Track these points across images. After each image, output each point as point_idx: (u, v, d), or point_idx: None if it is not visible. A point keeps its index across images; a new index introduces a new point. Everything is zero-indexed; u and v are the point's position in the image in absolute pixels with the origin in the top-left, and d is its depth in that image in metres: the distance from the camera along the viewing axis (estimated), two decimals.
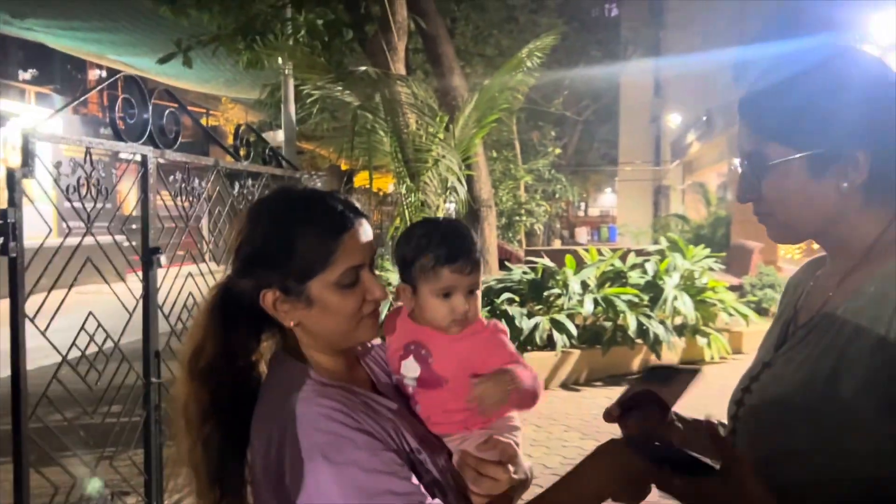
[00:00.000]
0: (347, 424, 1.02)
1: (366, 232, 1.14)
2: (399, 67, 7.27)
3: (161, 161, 3.10)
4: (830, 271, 1.11)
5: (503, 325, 1.30)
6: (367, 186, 12.29)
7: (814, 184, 1.02)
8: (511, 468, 1.16)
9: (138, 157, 2.99)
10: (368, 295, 1.13)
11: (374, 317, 1.16)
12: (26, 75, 22.79)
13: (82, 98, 13.08)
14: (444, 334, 1.23)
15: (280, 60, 7.76)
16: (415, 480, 1.02)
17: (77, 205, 2.75)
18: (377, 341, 1.31)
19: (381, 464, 1.01)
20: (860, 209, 1.04)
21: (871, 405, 0.91)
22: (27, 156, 2.43)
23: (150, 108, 2.99)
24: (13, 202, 2.36)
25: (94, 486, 2.82)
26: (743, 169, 1.09)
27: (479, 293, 1.25)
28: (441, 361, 1.21)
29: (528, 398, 1.22)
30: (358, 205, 1.17)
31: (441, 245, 1.20)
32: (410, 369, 1.22)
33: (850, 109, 1.00)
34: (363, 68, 6.72)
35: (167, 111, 3.18)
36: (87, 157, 2.76)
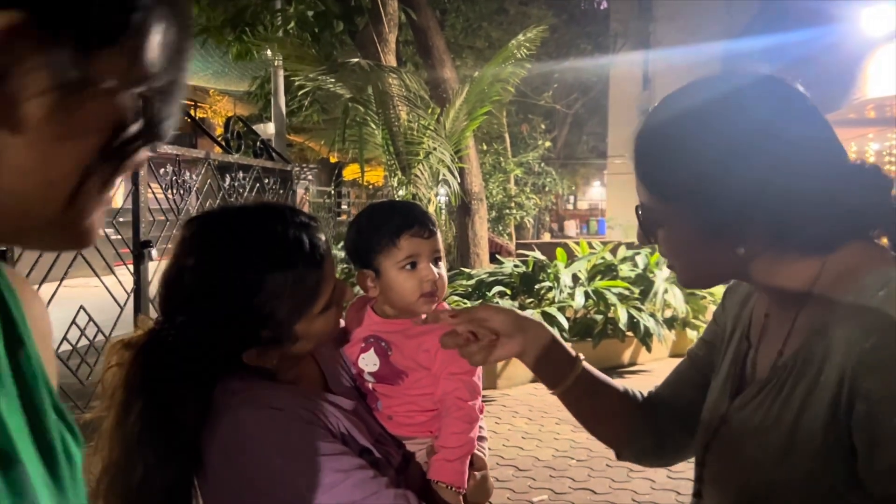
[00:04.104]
0: (295, 419, 1.00)
1: (326, 243, 1.06)
2: (390, 59, 7.24)
3: (151, 153, 3.06)
4: (773, 309, 0.94)
5: None
6: (358, 179, 12.27)
7: (706, 245, 0.86)
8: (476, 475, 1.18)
9: None
10: (342, 301, 1.10)
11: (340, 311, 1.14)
12: None
13: None
14: (404, 328, 1.19)
15: (270, 52, 7.73)
16: (355, 459, 1.01)
17: None
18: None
19: (327, 448, 0.99)
20: (775, 261, 0.86)
21: (841, 444, 0.77)
22: None
23: None
24: None
25: None
26: (637, 215, 0.94)
27: (443, 264, 1.21)
28: (400, 356, 1.18)
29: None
30: (305, 211, 1.09)
31: (392, 217, 1.17)
32: (369, 363, 1.19)
33: (739, 171, 0.81)
34: (354, 60, 6.70)
35: None
36: None
